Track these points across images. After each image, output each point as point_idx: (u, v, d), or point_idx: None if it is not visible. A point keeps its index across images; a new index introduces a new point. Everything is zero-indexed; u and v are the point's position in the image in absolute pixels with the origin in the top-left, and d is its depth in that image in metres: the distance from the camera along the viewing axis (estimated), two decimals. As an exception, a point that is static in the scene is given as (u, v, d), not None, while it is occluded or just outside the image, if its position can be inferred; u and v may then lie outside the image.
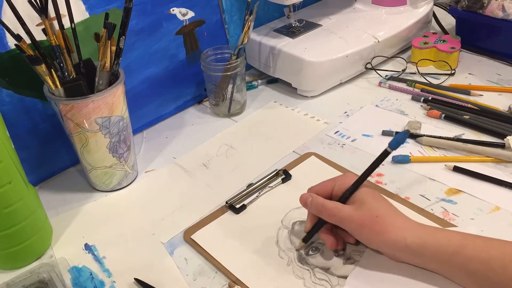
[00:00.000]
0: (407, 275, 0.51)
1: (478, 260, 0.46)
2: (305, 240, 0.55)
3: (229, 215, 0.61)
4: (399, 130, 0.73)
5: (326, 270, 0.53)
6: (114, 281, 0.55)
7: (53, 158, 0.71)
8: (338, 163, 0.68)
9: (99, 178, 0.66)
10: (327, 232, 0.54)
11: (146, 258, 0.57)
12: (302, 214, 0.59)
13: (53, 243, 0.60)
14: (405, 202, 0.61)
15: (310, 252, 0.55)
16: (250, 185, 0.65)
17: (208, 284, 0.53)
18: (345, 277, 0.52)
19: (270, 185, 0.65)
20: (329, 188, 0.55)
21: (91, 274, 0.56)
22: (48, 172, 0.71)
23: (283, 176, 0.66)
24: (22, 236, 0.55)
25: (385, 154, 0.52)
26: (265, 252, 0.56)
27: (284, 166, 0.68)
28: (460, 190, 0.62)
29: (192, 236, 0.58)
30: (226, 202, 0.63)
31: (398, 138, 0.51)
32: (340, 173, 0.66)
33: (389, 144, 0.52)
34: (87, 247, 0.59)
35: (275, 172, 0.67)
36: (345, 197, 0.53)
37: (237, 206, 0.62)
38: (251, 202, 0.63)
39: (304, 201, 0.54)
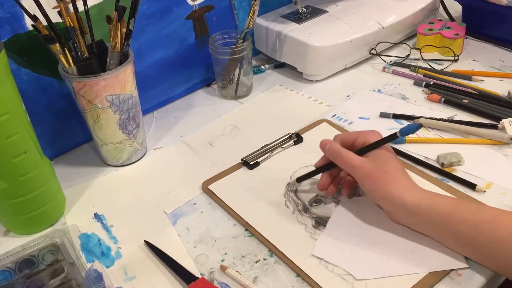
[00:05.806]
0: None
1: (468, 222, 0.48)
2: (298, 180, 0.61)
3: (243, 170, 0.68)
4: (395, 112, 0.75)
5: (326, 219, 0.59)
6: (120, 247, 0.59)
7: (68, 135, 0.75)
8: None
9: (110, 153, 0.70)
10: (327, 175, 0.59)
11: (150, 227, 0.61)
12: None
13: (65, 212, 0.65)
14: (422, 174, 0.63)
15: (314, 204, 0.61)
16: (265, 145, 0.71)
17: (207, 251, 0.57)
18: None
19: (283, 146, 0.71)
20: (352, 139, 0.58)
21: (99, 240, 0.60)
22: (63, 147, 0.75)
23: (295, 139, 0.72)
24: (37, 202, 0.60)
25: (392, 137, 0.55)
26: (274, 202, 0.62)
27: (297, 130, 0.74)
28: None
29: (209, 187, 0.65)
30: (242, 159, 0.69)
31: (411, 128, 0.54)
32: None
33: (401, 129, 0.54)
34: (97, 216, 0.63)
35: (288, 135, 0.72)
36: (363, 151, 0.56)
37: (251, 162, 0.68)
38: (264, 160, 0.70)
39: (323, 146, 0.59)
